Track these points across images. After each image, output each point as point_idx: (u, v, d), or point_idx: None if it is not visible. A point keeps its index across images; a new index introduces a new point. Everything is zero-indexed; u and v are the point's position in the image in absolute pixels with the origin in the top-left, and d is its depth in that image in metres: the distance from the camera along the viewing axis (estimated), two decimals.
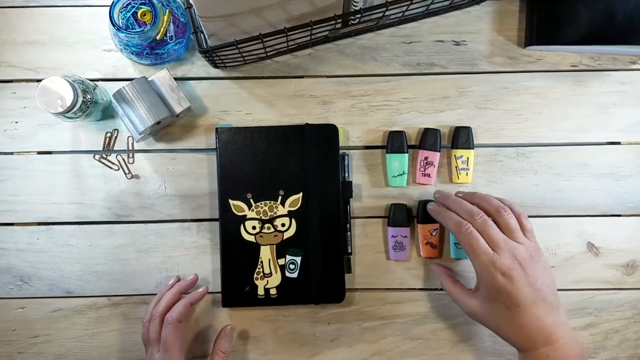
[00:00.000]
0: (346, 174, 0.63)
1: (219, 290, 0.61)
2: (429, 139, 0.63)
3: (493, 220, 0.54)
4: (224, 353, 0.58)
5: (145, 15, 0.56)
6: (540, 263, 0.53)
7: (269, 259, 0.61)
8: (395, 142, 0.63)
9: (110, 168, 0.63)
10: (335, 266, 0.61)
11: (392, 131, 0.63)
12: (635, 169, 0.64)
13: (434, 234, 0.62)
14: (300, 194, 0.61)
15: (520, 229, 0.54)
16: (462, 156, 0.63)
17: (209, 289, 0.62)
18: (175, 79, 0.60)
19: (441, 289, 0.63)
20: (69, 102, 0.53)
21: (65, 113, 0.54)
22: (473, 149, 0.63)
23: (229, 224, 0.61)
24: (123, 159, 0.63)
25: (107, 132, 0.63)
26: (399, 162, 0.63)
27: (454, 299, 0.58)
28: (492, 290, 0.52)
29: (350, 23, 0.59)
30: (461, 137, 0.63)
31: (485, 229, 0.54)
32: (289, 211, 0.61)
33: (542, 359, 0.51)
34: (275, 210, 0.61)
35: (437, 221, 0.62)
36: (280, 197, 0.61)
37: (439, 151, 0.63)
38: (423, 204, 0.62)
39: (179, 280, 0.62)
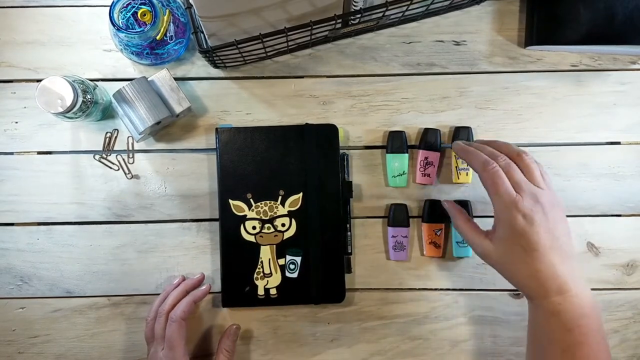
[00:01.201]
0: (346, 174, 0.63)
1: (219, 290, 0.62)
2: (429, 139, 0.63)
3: None
4: (228, 352, 0.58)
5: (145, 15, 0.56)
6: (561, 212, 0.52)
7: (269, 259, 0.61)
8: (395, 142, 0.63)
9: (110, 168, 0.63)
10: (335, 266, 0.61)
11: (392, 131, 0.63)
12: (635, 169, 0.64)
13: (438, 233, 0.62)
14: (300, 194, 0.61)
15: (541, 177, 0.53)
16: None
17: (212, 286, 0.62)
18: (175, 79, 0.60)
19: (442, 289, 0.64)
20: (69, 102, 0.53)
21: (65, 113, 0.54)
22: None
23: (229, 224, 0.61)
24: (123, 159, 0.63)
25: (107, 132, 0.63)
26: (399, 162, 0.63)
27: (467, 238, 0.56)
28: (510, 232, 0.51)
29: (350, 23, 0.59)
30: (461, 137, 0.63)
31: (509, 171, 0.52)
32: (289, 211, 0.61)
33: (554, 308, 0.50)
34: (275, 210, 0.61)
35: (442, 221, 0.62)
36: (280, 197, 0.61)
37: (439, 151, 0.63)
38: (429, 203, 0.62)
39: (184, 279, 0.62)
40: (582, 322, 0.49)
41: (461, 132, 0.63)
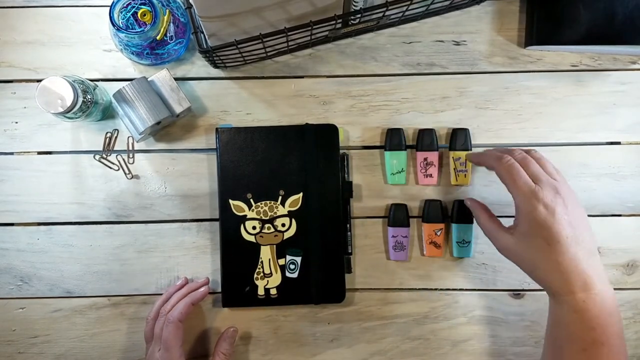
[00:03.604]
0: (346, 174, 0.63)
1: (219, 290, 0.62)
2: (425, 139, 0.63)
3: None
4: (225, 355, 0.58)
5: (145, 15, 0.56)
6: (580, 208, 0.51)
7: (269, 259, 0.61)
8: (393, 139, 0.63)
9: (110, 168, 0.63)
10: (336, 266, 0.61)
11: (390, 129, 0.63)
12: (635, 169, 0.64)
13: (438, 233, 0.62)
14: (301, 194, 0.61)
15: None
16: (459, 158, 0.63)
17: (210, 288, 0.62)
18: (176, 79, 0.60)
19: (442, 289, 0.64)
20: (69, 102, 0.53)
21: (66, 113, 0.54)
22: (471, 150, 0.63)
23: (229, 224, 0.61)
24: (123, 159, 0.63)
25: (107, 132, 0.63)
26: (397, 160, 0.63)
27: (488, 233, 0.55)
28: (532, 223, 0.49)
29: (350, 23, 0.59)
30: (459, 139, 0.63)
31: (526, 163, 0.52)
32: (289, 211, 0.61)
33: (577, 305, 0.47)
34: (275, 210, 0.61)
35: (442, 221, 0.62)
36: (280, 197, 0.61)
37: (437, 150, 0.63)
38: (429, 203, 0.62)
39: (187, 282, 0.62)
40: (606, 322, 0.47)
41: (459, 134, 0.63)
